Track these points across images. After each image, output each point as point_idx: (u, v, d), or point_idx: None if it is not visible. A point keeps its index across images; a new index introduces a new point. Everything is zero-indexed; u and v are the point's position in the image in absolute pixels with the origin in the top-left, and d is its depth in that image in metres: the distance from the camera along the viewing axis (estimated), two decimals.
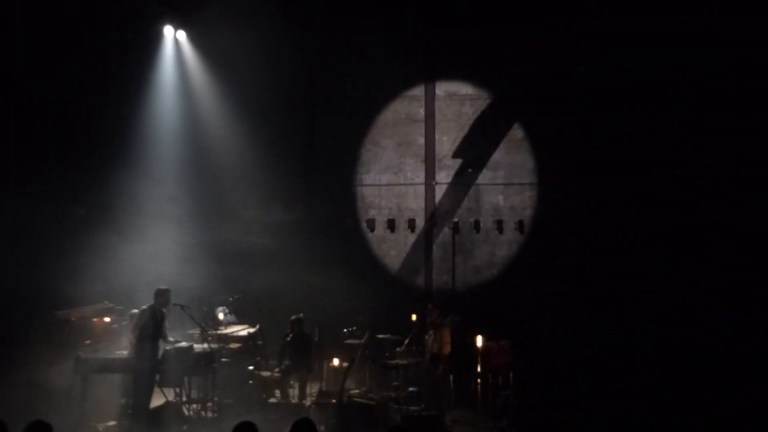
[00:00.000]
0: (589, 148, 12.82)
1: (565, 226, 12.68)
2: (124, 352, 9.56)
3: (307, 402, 10.00)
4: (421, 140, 13.50)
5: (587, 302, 12.51)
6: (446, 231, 13.28)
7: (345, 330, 11.30)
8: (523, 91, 13.04)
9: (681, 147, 12.13)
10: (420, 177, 13.52)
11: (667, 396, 9.68)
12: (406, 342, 10.42)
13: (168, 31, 12.63)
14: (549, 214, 12.91)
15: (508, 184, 13.20)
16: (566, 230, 12.66)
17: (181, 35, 12.83)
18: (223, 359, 9.86)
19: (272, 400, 10.31)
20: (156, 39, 12.58)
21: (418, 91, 13.50)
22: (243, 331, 10.96)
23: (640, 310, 11.99)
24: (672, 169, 12.24)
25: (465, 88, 13.33)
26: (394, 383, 9.94)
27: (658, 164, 12.38)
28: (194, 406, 9.64)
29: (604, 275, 12.46)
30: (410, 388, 9.82)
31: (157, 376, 9.31)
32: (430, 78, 13.45)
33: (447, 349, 10.18)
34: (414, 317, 11.32)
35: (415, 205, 13.53)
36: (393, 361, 10.13)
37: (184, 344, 9.59)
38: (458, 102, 13.38)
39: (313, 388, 10.63)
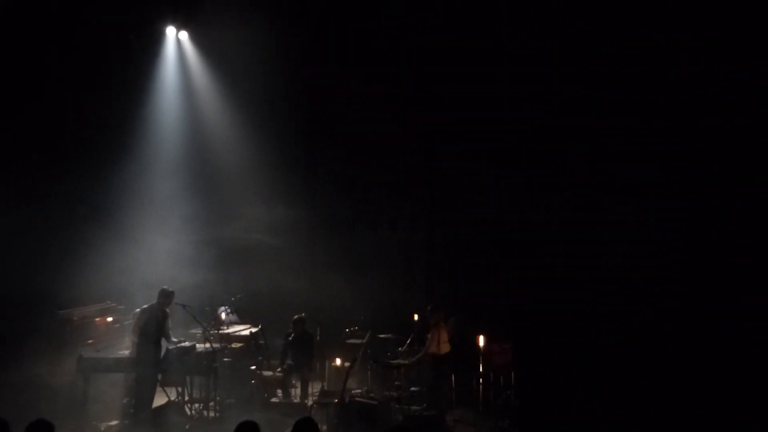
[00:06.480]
0: (591, 148, 12.82)
1: (567, 224, 12.66)
2: (126, 352, 9.57)
3: (309, 401, 10.00)
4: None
5: (588, 301, 12.50)
6: (448, 230, 13.24)
7: (347, 330, 11.30)
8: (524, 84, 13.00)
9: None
10: (422, 175, 13.48)
11: (668, 395, 9.67)
12: (408, 342, 10.42)
13: (170, 31, 12.63)
14: (551, 213, 12.89)
15: (509, 183, 13.16)
16: (568, 228, 12.64)
17: (183, 35, 12.83)
18: (225, 359, 9.88)
19: (274, 399, 10.31)
20: (158, 39, 12.59)
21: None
22: (245, 330, 10.96)
23: (641, 308, 11.98)
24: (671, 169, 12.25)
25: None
26: (396, 383, 9.94)
27: (655, 164, 12.37)
28: (196, 405, 9.65)
29: (604, 274, 12.45)
30: (412, 388, 9.82)
31: (159, 376, 9.32)
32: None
33: (445, 348, 10.17)
34: (416, 317, 11.33)
35: (416, 203, 13.50)
36: (395, 361, 10.14)
37: (186, 344, 9.61)
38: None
39: (315, 388, 10.63)
